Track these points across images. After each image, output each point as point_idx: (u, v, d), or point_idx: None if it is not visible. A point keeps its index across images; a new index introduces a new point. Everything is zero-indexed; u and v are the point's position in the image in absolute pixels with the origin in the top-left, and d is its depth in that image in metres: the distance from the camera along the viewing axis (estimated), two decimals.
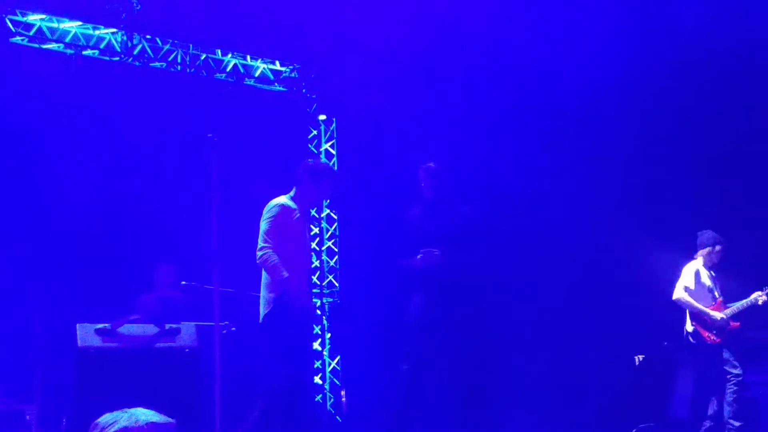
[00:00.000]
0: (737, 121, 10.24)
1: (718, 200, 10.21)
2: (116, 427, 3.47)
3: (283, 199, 7.25)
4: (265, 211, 7.18)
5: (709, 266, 9.39)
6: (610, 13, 10.67)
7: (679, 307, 9.29)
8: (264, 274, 7.13)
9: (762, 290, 9.16)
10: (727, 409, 8.97)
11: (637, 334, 9.94)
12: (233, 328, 9.06)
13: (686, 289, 9.27)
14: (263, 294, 7.07)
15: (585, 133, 11.07)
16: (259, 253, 7.05)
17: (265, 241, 7.04)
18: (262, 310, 7.05)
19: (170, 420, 3.54)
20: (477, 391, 8.44)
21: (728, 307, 9.22)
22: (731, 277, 9.44)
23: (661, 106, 10.70)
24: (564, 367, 10.91)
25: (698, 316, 9.20)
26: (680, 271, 9.35)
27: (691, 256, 9.42)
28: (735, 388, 8.99)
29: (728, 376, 9.01)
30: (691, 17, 10.16)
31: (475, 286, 7.49)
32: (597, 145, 10.99)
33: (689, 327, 9.24)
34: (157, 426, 3.48)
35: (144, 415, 3.50)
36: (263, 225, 7.11)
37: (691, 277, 9.29)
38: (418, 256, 7.41)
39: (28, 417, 9.02)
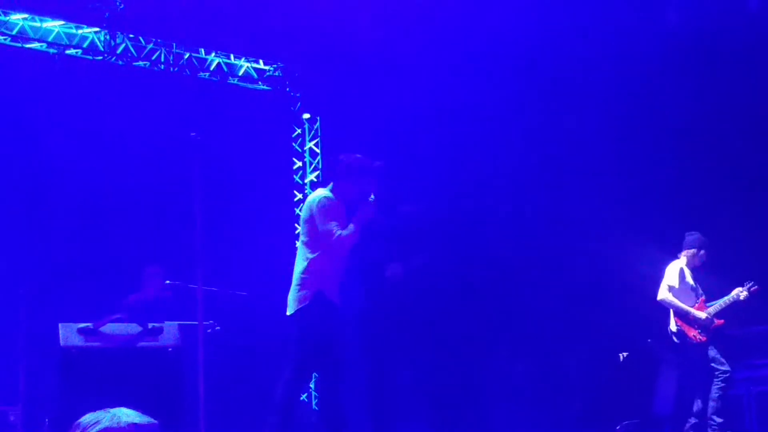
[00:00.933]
0: (720, 121, 10.25)
1: (700, 199, 10.24)
2: (98, 427, 3.43)
3: (325, 192, 6.98)
4: (314, 206, 6.85)
5: (691, 267, 9.43)
6: (591, 14, 10.68)
7: (663, 305, 9.33)
8: (296, 270, 6.91)
9: (743, 286, 9.21)
10: (711, 404, 9.00)
11: (620, 331, 9.96)
12: (217, 327, 9.05)
13: (670, 288, 9.30)
14: (294, 291, 6.84)
15: (567, 132, 11.08)
16: (333, 240, 6.73)
17: (328, 232, 6.76)
18: (293, 306, 6.83)
19: (153, 421, 3.51)
20: (458, 389, 8.47)
21: (711, 306, 9.27)
22: (713, 275, 9.48)
23: (644, 107, 10.72)
24: (548, 364, 10.92)
25: (683, 316, 9.24)
26: (663, 269, 9.39)
27: (674, 255, 9.46)
28: (722, 384, 9.03)
29: (716, 373, 9.04)
30: (676, 16, 10.17)
31: (415, 282, 7.45)
32: (579, 144, 11.00)
33: (673, 326, 9.28)
34: (139, 427, 3.45)
35: (126, 415, 3.47)
36: (320, 219, 6.78)
37: (676, 276, 9.32)
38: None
39: (12, 418, 8.99)
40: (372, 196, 6.95)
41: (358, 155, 7.08)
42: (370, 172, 7.03)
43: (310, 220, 6.86)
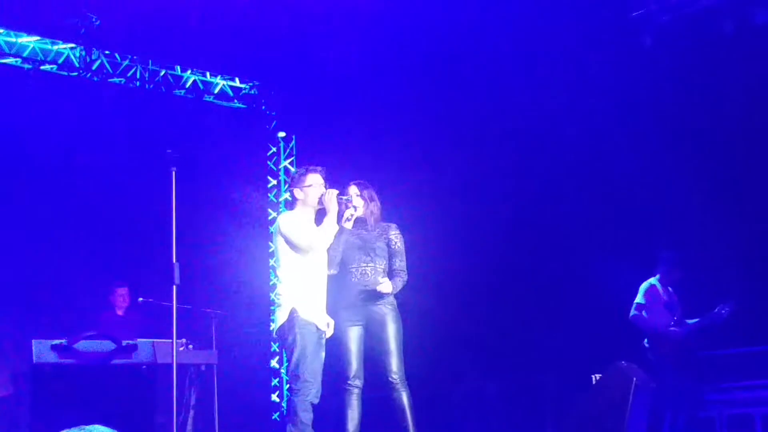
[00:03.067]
0: (701, 137, 10.27)
1: (679, 217, 10.27)
2: None
3: (287, 212, 7.36)
4: (280, 228, 7.12)
5: (665, 284, 9.51)
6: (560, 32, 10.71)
7: (633, 324, 9.44)
8: (278, 288, 7.13)
9: (721, 306, 9.28)
10: (681, 427, 9.05)
11: (594, 353, 9.97)
12: (191, 346, 9.01)
13: (639, 306, 9.42)
14: (275, 310, 7.13)
15: (540, 151, 11.09)
16: (306, 242, 7.02)
17: (305, 239, 7.04)
18: (275, 325, 7.11)
19: None
20: (428, 409, 8.44)
21: (685, 324, 9.34)
22: (692, 295, 9.56)
23: (623, 124, 10.69)
24: (520, 385, 10.91)
25: (654, 334, 9.33)
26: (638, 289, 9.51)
27: (651, 275, 9.57)
28: (692, 406, 9.09)
29: (685, 394, 9.11)
30: (651, 39, 10.21)
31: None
32: (553, 161, 11.01)
33: (646, 343, 9.39)
34: None
35: None
36: (293, 236, 7.04)
37: (644, 295, 9.44)
38: None
39: None
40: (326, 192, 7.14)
41: (300, 168, 7.38)
42: (309, 174, 7.23)
43: (280, 242, 7.11)
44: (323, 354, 7.13)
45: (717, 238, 10.00)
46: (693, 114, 10.24)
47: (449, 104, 11.59)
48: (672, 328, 9.31)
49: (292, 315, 6.91)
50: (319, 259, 7.18)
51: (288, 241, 7.04)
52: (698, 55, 10.07)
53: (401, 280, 7.43)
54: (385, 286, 7.27)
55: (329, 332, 7.24)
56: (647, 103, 10.43)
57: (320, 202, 7.16)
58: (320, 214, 7.21)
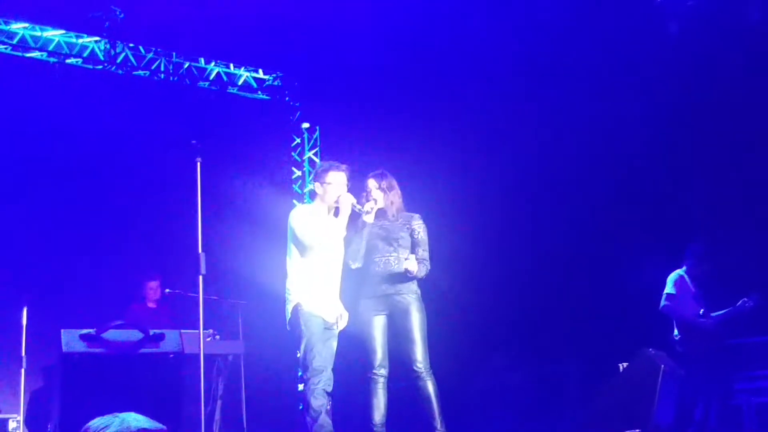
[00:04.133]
0: (728, 127, 10.21)
1: (708, 207, 10.22)
2: None
3: (300, 206, 7.31)
4: (291, 222, 7.15)
5: (693, 276, 9.46)
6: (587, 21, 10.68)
7: (665, 315, 9.40)
8: (287, 284, 7.14)
9: (745, 299, 9.24)
10: (712, 416, 9.02)
11: (621, 341, 9.95)
12: (218, 336, 9.06)
13: (669, 297, 9.37)
14: (286, 305, 7.14)
15: (570, 140, 11.06)
16: (309, 239, 7.03)
17: (311, 236, 7.04)
18: (286, 319, 7.13)
19: (161, 426, 3.51)
20: (452, 399, 8.44)
21: (713, 315, 9.30)
22: (720, 286, 9.51)
23: (650, 113, 10.66)
24: (547, 374, 10.90)
25: (684, 325, 9.29)
26: (666, 278, 9.46)
27: (678, 263, 9.52)
28: (722, 395, 9.06)
29: (715, 384, 9.08)
30: (677, 26, 10.16)
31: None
32: (580, 152, 10.98)
33: (676, 334, 9.35)
34: None
35: (135, 420, 3.47)
36: (300, 231, 7.06)
37: (674, 285, 9.38)
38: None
39: (15, 424, 8.98)
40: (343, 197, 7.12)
41: (324, 162, 7.32)
42: (330, 170, 7.23)
43: (290, 236, 7.15)
44: (335, 343, 7.16)
45: (744, 228, 9.95)
46: (720, 103, 10.18)
47: (475, 93, 11.55)
48: (701, 319, 9.28)
49: (296, 309, 6.98)
50: (329, 254, 7.18)
51: (293, 235, 7.10)
52: (724, 41, 10.00)
53: (424, 267, 7.42)
54: (411, 263, 7.27)
55: (341, 324, 7.25)
56: (674, 92, 10.37)
57: (338, 200, 7.17)
58: (338, 210, 7.21)
